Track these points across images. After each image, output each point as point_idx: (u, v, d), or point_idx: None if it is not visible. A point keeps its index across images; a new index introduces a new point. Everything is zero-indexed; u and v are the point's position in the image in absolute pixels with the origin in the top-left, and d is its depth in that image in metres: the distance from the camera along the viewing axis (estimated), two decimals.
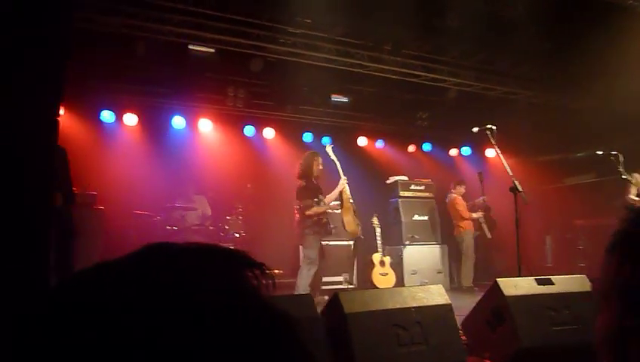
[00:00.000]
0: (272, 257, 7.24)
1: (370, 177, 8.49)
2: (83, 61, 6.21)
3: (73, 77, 6.21)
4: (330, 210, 6.07)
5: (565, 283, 3.55)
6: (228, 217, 7.48)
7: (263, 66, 7.36)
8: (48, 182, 2.36)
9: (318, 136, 9.10)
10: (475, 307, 3.58)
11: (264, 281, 0.47)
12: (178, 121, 8.10)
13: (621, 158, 5.82)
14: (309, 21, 6.61)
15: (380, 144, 9.66)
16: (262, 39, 6.69)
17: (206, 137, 8.41)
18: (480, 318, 3.45)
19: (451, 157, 10.35)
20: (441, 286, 3.39)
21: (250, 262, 0.47)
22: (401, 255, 7.81)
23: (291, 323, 0.46)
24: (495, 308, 3.33)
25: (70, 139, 5.86)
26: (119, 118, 7.68)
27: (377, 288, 6.36)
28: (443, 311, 3.16)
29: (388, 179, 8.51)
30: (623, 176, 6.11)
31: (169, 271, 0.43)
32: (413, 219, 8.30)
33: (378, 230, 7.14)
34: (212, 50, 7.06)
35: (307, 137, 9.05)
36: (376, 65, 7.42)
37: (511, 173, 4.68)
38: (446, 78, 7.98)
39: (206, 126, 8.31)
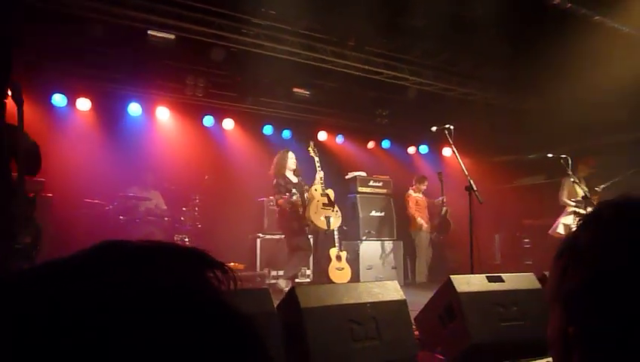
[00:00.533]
0: (228, 250, 7.17)
1: (329, 172, 8.52)
2: (35, 41, 5.92)
3: (23, 57, 5.93)
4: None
5: (514, 280, 3.67)
6: (184, 208, 7.33)
7: (224, 56, 7.22)
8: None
9: (278, 129, 9.04)
10: (428, 302, 3.66)
11: (225, 282, 0.45)
12: (134, 108, 7.84)
13: (570, 161, 6.09)
14: (273, 13, 6.54)
15: (339, 139, 9.70)
16: (224, 28, 6.56)
17: (163, 126, 8.20)
18: (433, 314, 3.52)
19: (409, 155, 10.53)
20: (397, 282, 3.44)
21: (211, 262, 0.46)
22: (358, 250, 7.89)
23: (254, 328, 0.44)
24: (447, 305, 3.41)
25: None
26: (72, 102, 7.37)
27: (333, 283, 6.41)
28: (398, 307, 3.20)
29: (347, 174, 8.57)
30: (572, 180, 6.40)
31: (125, 271, 0.40)
32: (371, 214, 8.40)
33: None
34: (172, 37, 6.86)
35: (267, 130, 8.97)
36: (339, 60, 7.43)
37: (467, 173, 4.79)
38: (407, 77, 8.09)
39: (163, 114, 8.10)
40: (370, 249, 8.05)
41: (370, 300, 3.10)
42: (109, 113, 7.64)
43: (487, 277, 3.58)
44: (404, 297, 3.30)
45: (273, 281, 7.34)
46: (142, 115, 7.96)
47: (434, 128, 5.26)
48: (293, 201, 6.27)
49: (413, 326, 3.40)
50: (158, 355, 0.37)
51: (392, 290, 3.28)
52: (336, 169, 8.85)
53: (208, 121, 8.50)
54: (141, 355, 0.36)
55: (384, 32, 7.04)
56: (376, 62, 7.67)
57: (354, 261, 7.58)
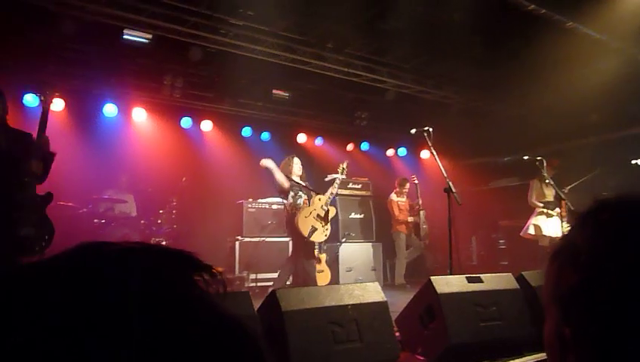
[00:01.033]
0: (206, 253, 7.04)
1: (309, 174, 8.50)
2: (5, 37, 5.74)
3: None
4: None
5: (493, 280, 3.71)
6: (161, 211, 7.21)
7: (202, 56, 7.12)
8: None
9: (257, 131, 8.99)
10: (409, 303, 3.67)
11: (213, 285, 0.44)
12: (110, 109, 7.69)
13: (545, 164, 6.21)
14: (251, 13, 6.49)
15: (319, 141, 9.70)
16: (201, 28, 6.48)
17: (140, 127, 8.06)
18: (413, 314, 3.54)
19: (388, 158, 10.59)
20: (377, 283, 3.44)
21: (199, 265, 0.44)
22: (337, 252, 7.89)
23: (246, 331, 0.42)
24: (428, 305, 3.43)
25: None
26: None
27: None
28: (379, 309, 3.20)
29: (326, 176, 8.56)
30: (547, 181, 6.52)
31: (111, 274, 0.38)
32: (350, 216, 8.42)
33: None
34: (149, 36, 6.74)
35: (246, 131, 8.92)
36: (318, 62, 7.43)
37: (445, 175, 4.83)
38: (386, 80, 8.13)
39: (140, 115, 7.96)
40: (350, 251, 8.07)
41: (351, 302, 3.10)
42: (84, 114, 7.47)
43: (466, 277, 3.62)
44: (386, 299, 3.30)
45: (252, 284, 7.28)
46: (118, 116, 7.81)
47: (413, 130, 5.28)
48: (298, 205, 6.06)
49: (395, 328, 3.40)
50: (151, 359, 0.36)
51: (373, 292, 3.28)
52: (315, 171, 8.83)
53: (186, 122, 8.40)
54: (133, 358, 0.35)
55: (363, 35, 7.06)
56: (355, 64, 7.70)
57: (333, 263, 7.58)
